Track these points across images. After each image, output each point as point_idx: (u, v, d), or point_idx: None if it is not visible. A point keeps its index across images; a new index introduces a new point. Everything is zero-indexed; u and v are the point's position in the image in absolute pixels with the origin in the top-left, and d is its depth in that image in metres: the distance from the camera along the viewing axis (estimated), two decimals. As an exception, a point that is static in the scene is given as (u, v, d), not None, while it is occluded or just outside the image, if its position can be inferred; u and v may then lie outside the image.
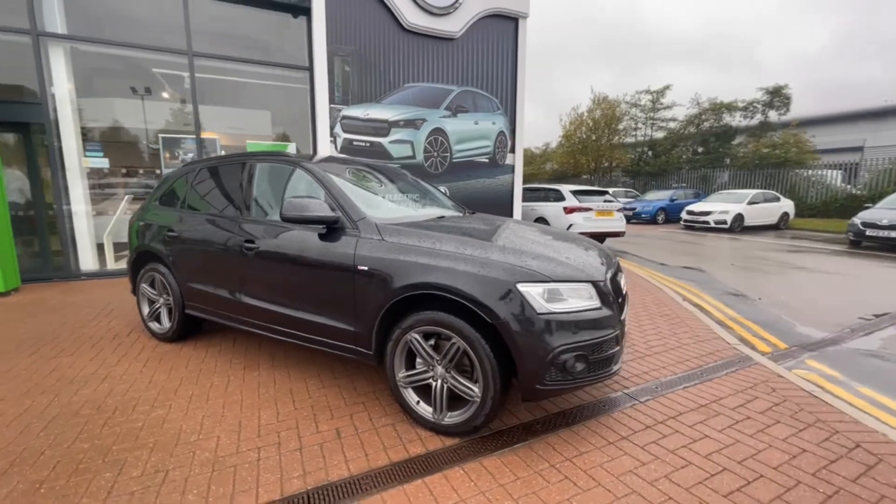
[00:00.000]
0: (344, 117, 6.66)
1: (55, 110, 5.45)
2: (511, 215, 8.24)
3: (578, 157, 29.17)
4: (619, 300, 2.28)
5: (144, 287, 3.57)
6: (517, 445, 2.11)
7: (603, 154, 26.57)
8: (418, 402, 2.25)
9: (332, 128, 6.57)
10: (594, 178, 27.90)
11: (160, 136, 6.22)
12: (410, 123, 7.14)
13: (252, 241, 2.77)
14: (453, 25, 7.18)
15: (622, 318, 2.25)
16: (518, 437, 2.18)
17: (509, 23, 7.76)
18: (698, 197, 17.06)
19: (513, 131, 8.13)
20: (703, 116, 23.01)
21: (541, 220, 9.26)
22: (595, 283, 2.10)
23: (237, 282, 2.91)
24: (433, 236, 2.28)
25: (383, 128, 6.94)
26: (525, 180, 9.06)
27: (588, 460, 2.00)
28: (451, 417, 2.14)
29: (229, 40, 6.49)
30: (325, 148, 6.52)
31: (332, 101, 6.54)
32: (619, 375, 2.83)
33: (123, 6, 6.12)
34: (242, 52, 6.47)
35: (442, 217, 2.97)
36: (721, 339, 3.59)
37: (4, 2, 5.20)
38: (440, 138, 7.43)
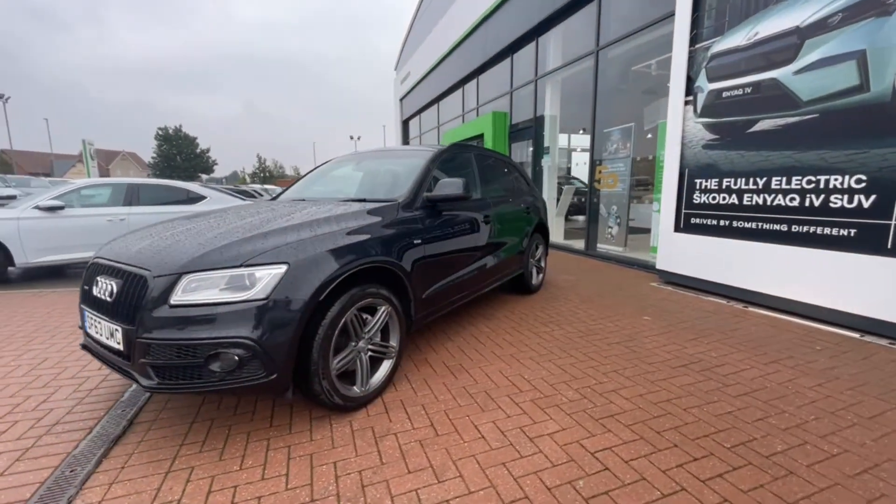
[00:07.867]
0: (712, 57, 4.15)
1: (544, 126, 8.06)
2: None
3: None
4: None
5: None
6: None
7: None
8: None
9: (691, 81, 4.38)
10: None
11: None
12: (863, 8, 3.04)
13: None
14: None
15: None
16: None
17: None
18: None
19: None
20: None
21: None
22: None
23: None
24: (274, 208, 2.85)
25: (788, 46, 3.54)
26: None
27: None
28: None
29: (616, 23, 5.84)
30: (677, 115, 4.53)
31: (694, 41, 4.30)
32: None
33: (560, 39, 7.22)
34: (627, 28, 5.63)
35: (363, 201, 2.87)
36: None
37: (528, 69, 8.21)
38: None
